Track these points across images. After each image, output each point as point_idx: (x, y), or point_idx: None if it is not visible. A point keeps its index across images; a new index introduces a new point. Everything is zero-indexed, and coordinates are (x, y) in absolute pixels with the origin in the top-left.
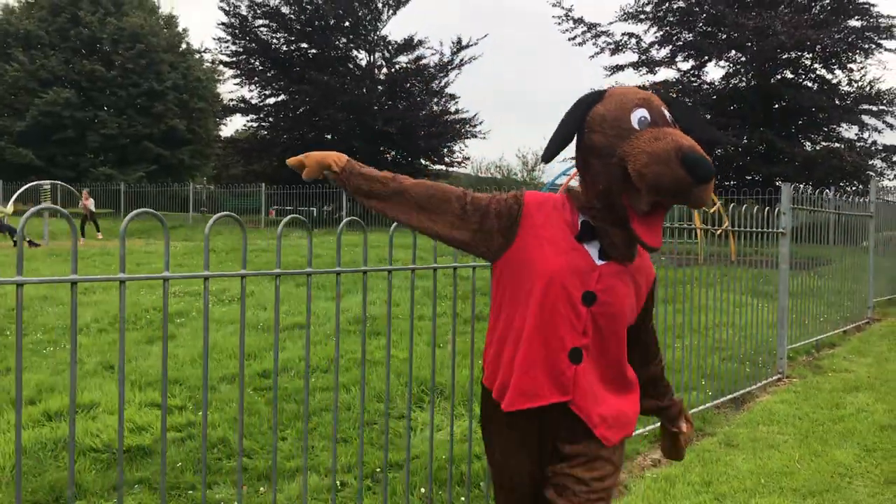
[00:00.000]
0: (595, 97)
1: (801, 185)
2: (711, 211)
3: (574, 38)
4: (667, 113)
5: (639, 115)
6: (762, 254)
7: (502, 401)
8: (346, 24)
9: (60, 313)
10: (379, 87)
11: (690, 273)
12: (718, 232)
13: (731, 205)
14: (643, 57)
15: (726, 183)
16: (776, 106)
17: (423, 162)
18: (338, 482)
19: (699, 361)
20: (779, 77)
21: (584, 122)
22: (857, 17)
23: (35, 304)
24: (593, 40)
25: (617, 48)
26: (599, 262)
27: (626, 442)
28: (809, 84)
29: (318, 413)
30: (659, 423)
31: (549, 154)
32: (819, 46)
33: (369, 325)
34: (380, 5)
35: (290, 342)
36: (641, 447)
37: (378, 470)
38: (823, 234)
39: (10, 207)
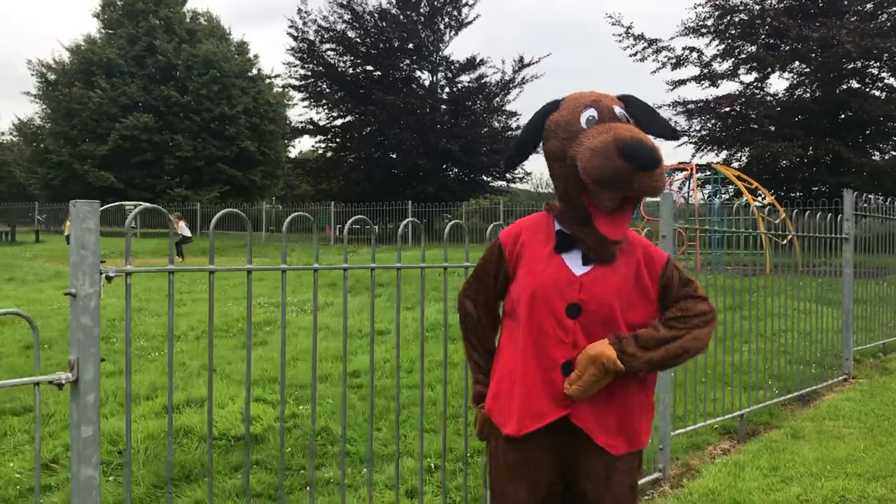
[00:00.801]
0: (552, 106)
1: (871, 196)
2: (777, 221)
3: (635, 54)
4: (619, 110)
5: (587, 115)
6: (829, 264)
7: (511, 427)
8: (410, 45)
9: (159, 322)
10: (442, 106)
11: (757, 282)
12: (784, 241)
13: (795, 211)
14: (705, 70)
15: (792, 194)
16: (842, 116)
17: (484, 178)
18: (431, 465)
19: (766, 364)
20: (844, 87)
21: (542, 131)
22: None
23: (134, 316)
24: (654, 56)
25: (678, 63)
26: (584, 270)
27: (641, 452)
28: (877, 93)
29: (406, 407)
30: (721, 417)
31: (508, 163)
32: (886, 55)
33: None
34: (442, 27)
35: (364, 349)
36: (711, 438)
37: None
38: (893, 244)
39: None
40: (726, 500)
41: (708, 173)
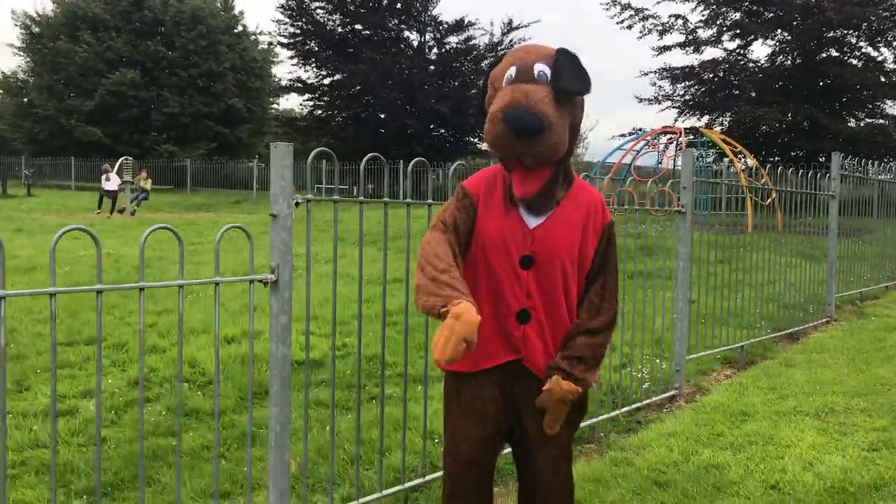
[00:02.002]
0: (499, 59)
1: (847, 159)
2: (760, 183)
3: (622, 22)
4: (539, 68)
5: (508, 73)
6: (808, 224)
7: (465, 365)
8: (398, 5)
9: (177, 270)
10: (430, 66)
11: (743, 239)
12: (766, 202)
13: (786, 169)
14: (690, 37)
15: (770, 159)
16: (821, 83)
17: (472, 139)
18: None
19: (757, 308)
20: (824, 55)
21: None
22: None
23: (155, 263)
24: (641, 24)
25: (664, 30)
26: (537, 222)
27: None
28: (854, 62)
29: None
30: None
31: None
32: (865, 24)
33: None
34: None
35: (396, 291)
36: (715, 366)
37: None
38: (867, 207)
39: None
40: (735, 410)
41: (691, 136)
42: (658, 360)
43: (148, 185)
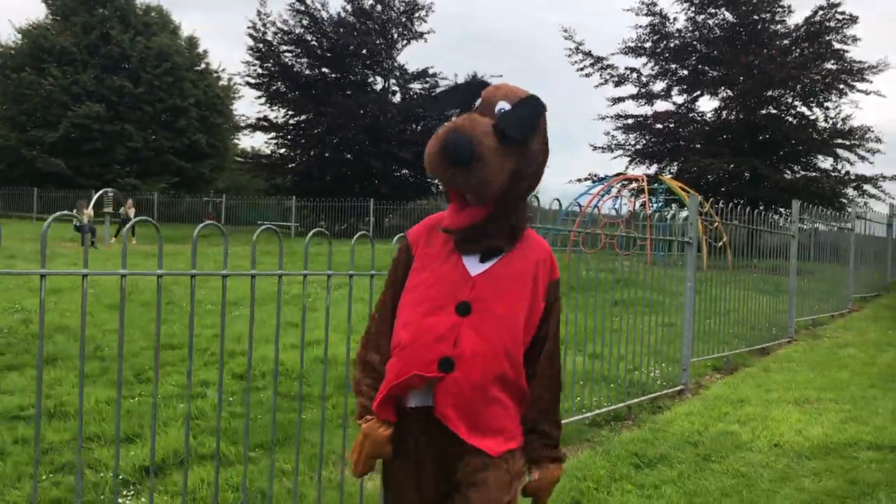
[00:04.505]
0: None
1: (782, 209)
2: (713, 226)
3: (582, 69)
4: (501, 105)
5: (476, 105)
6: (754, 266)
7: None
8: (364, 51)
9: (205, 296)
10: (395, 110)
11: (704, 275)
12: (719, 244)
13: (738, 209)
14: (643, 90)
15: (714, 206)
16: (761, 137)
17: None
18: None
19: (728, 329)
20: (763, 112)
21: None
22: (832, 62)
23: (168, 291)
24: (599, 72)
25: (620, 81)
26: (480, 269)
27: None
28: (790, 119)
29: None
30: (714, 355)
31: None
32: (799, 86)
33: None
34: (395, 35)
35: None
36: (707, 371)
37: None
38: (804, 251)
39: (90, 211)
40: (733, 399)
41: (642, 184)
42: (664, 365)
43: (131, 213)
